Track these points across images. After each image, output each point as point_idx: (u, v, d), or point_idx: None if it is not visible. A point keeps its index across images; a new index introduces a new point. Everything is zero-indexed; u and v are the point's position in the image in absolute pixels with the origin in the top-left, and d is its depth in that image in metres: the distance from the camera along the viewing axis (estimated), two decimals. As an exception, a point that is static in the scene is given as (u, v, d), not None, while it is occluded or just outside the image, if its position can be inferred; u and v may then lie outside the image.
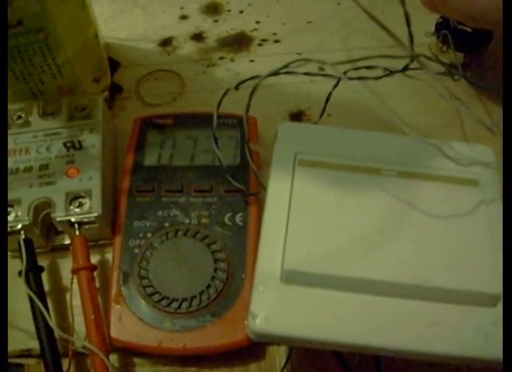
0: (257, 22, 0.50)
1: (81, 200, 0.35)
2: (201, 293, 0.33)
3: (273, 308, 0.30)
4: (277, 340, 0.31)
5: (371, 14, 0.30)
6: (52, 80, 0.39)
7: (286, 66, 0.32)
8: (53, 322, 0.32)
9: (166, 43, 0.48)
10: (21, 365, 0.34)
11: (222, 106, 0.35)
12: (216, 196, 0.37)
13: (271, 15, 0.50)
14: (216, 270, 0.34)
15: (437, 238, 0.32)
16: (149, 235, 0.36)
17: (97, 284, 0.34)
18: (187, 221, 0.36)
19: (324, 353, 0.33)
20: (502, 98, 0.41)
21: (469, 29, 0.41)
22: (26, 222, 0.34)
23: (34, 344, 0.33)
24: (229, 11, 0.50)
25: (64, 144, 0.37)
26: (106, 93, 0.44)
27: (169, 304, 0.33)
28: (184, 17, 0.50)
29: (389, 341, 0.29)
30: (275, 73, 0.33)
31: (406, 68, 0.35)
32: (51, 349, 0.32)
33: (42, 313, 0.32)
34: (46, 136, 0.38)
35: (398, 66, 0.37)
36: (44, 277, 0.35)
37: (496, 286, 0.30)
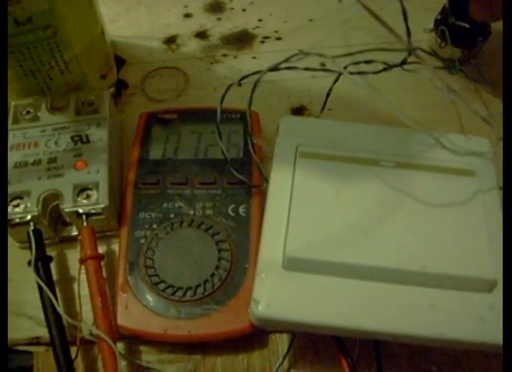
0: (260, 20, 0.50)
1: (88, 192, 0.36)
2: (205, 282, 0.34)
3: (275, 294, 0.30)
4: (279, 325, 0.32)
5: (371, 10, 0.31)
6: (60, 76, 0.40)
7: (287, 60, 0.33)
8: (61, 310, 0.33)
9: (170, 40, 0.49)
10: (30, 352, 0.35)
11: (225, 102, 0.36)
12: (220, 188, 0.38)
13: (273, 13, 0.51)
14: (219, 259, 0.35)
15: (435, 226, 0.33)
16: (154, 226, 0.37)
17: (104, 274, 0.35)
18: (191, 212, 0.37)
19: (325, 340, 0.34)
20: (498, 92, 0.42)
21: (467, 25, 0.42)
22: (35, 213, 0.35)
23: (43, 332, 0.34)
24: (232, 9, 0.51)
25: (72, 138, 0.38)
26: (113, 89, 0.45)
27: (174, 293, 0.34)
28: (188, 15, 0.51)
29: (388, 325, 0.30)
30: (276, 67, 0.34)
31: (404, 62, 0.36)
32: (60, 336, 0.33)
33: (51, 301, 0.33)
34: (54, 131, 0.39)
35: (397, 61, 0.37)
36: (52, 267, 0.35)
37: (492, 272, 0.31)
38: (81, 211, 0.36)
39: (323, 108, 0.42)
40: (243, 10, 0.51)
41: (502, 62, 0.44)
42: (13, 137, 0.38)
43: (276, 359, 0.34)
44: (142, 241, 0.36)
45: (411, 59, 0.36)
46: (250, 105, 0.35)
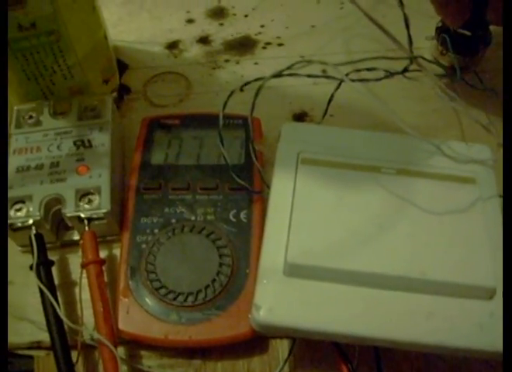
0: (262, 26, 0.51)
1: (90, 196, 0.36)
2: (206, 287, 0.34)
3: (276, 300, 0.31)
4: (279, 331, 0.32)
5: (372, 17, 0.31)
6: (63, 81, 0.40)
7: (290, 67, 0.34)
8: (62, 315, 0.33)
9: (173, 45, 0.50)
10: (31, 357, 0.35)
11: (227, 107, 0.36)
12: (222, 194, 0.38)
13: (275, 19, 0.51)
14: (221, 265, 0.35)
15: (435, 233, 0.33)
16: (156, 231, 0.37)
17: (105, 278, 0.35)
18: (193, 218, 0.37)
19: (326, 346, 0.34)
20: (499, 100, 0.42)
21: (468, 33, 0.42)
22: (37, 218, 0.35)
23: (44, 336, 0.34)
24: (234, 15, 0.52)
25: (74, 142, 0.38)
26: (115, 94, 0.45)
27: (175, 298, 0.34)
28: (190, 21, 0.51)
29: (388, 332, 0.30)
30: (279, 74, 0.34)
31: (405, 70, 0.36)
32: (61, 340, 0.33)
33: (52, 305, 0.33)
34: (56, 135, 0.39)
35: (398, 68, 0.38)
36: (54, 271, 0.36)
37: (491, 280, 0.31)
38: (82, 215, 0.36)
39: (324, 115, 0.42)
40: (246, 16, 0.51)
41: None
42: (16, 141, 0.38)
43: (276, 364, 0.34)
44: (143, 246, 0.36)
45: (413, 66, 0.36)
46: (252, 110, 0.36)
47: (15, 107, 0.40)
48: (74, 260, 0.38)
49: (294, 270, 0.31)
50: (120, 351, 0.34)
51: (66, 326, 0.33)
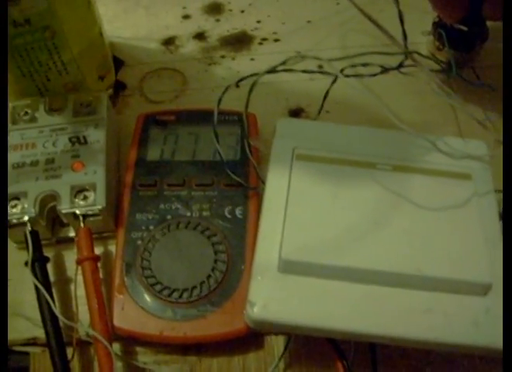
0: (258, 22, 0.50)
1: (85, 193, 0.36)
2: (201, 283, 0.34)
3: (270, 297, 0.30)
4: (274, 328, 0.32)
5: (367, 13, 0.31)
6: (58, 77, 0.40)
7: (283, 63, 0.34)
8: (57, 311, 0.33)
9: (169, 41, 0.49)
10: (27, 353, 0.35)
11: (224, 103, 0.36)
12: (217, 190, 0.38)
13: (271, 14, 0.51)
14: (216, 261, 0.35)
15: (431, 229, 0.33)
16: (151, 227, 0.37)
17: (100, 275, 0.35)
18: (188, 214, 0.37)
19: (321, 342, 0.34)
20: (495, 95, 0.42)
21: (465, 29, 0.42)
22: (33, 214, 0.35)
23: (40, 332, 0.34)
24: (230, 10, 0.51)
25: (70, 139, 0.38)
26: (110, 90, 0.45)
27: (170, 294, 0.34)
28: (186, 17, 0.51)
29: (384, 328, 0.30)
30: (273, 70, 0.34)
31: (400, 65, 0.36)
32: (56, 337, 0.33)
33: (47, 302, 0.33)
34: (52, 132, 0.39)
35: (394, 64, 0.38)
36: (49, 268, 0.36)
37: (486, 276, 0.31)
38: (78, 212, 0.36)
39: (320, 111, 0.42)
40: (242, 11, 0.51)
41: (499, 65, 0.44)
42: (11, 138, 0.38)
43: (272, 360, 0.34)
44: (139, 242, 0.36)
45: (408, 62, 0.36)
46: (247, 106, 0.36)
47: (11, 103, 0.40)
48: (70, 257, 0.38)
49: (288, 267, 0.31)
50: (115, 347, 0.34)
51: (61, 323, 0.33)
